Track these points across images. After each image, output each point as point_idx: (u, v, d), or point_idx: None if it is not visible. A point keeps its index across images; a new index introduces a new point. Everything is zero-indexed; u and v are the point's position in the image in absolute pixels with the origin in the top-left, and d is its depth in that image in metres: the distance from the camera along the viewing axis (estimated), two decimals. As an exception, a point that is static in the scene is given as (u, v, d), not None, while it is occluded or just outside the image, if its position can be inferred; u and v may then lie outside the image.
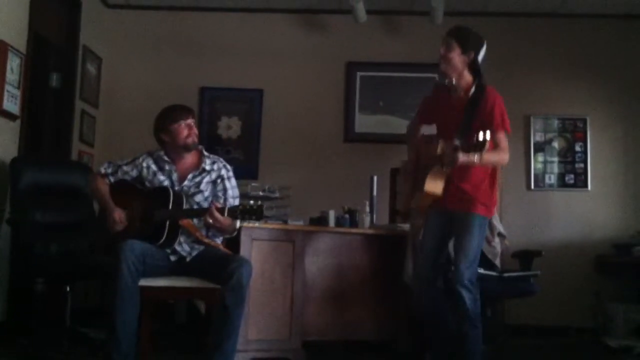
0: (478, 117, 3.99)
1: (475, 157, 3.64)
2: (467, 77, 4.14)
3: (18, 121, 5.16)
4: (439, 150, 3.90)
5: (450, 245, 4.24)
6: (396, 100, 6.86)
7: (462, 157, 3.70)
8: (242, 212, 3.78)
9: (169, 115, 4.14)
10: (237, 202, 4.13)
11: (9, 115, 5.01)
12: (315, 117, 6.89)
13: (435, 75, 6.73)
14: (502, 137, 3.99)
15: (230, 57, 6.94)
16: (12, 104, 5.01)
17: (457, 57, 4.09)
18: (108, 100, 6.90)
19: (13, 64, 5.01)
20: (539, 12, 6.82)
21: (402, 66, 6.89)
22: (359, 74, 6.96)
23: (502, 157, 4.03)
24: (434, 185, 3.96)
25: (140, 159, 4.18)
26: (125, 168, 4.17)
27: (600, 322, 6.15)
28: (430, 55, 6.71)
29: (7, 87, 4.92)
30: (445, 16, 6.56)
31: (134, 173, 4.16)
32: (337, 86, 6.94)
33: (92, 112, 6.66)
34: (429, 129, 4.31)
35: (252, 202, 3.83)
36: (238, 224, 4.06)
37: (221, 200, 4.07)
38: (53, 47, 6.04)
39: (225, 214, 3.79)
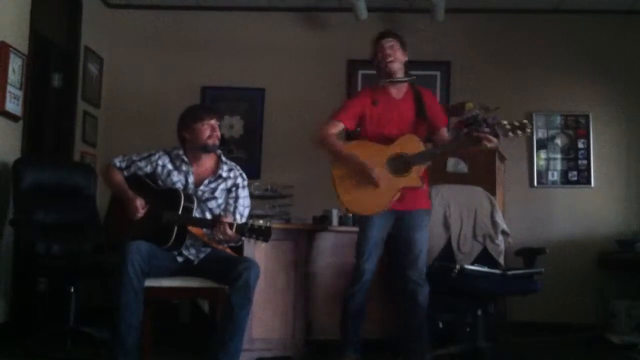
0: (428, 114, 4.30)
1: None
2: (402, 75, 4.35)
3: (20, 122, 5.17)
4: (422, 144, 4.17)
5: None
6: (398, 98, 6.85)
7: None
8: (250, 230, 3.77)
9: (194, 113, 4.11)
10: (247, 211, 4.12)
11: (11, 117, 5.02)
12: (317, 115, 6.83)
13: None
14: None
15: (232, 56, 6.93)
16: (14, 105, 5.01)
17: (400, 56, 4.32)
18: (110, 101, 6.90)
19: (15, 65, 5.01)
20: (540, 9, 6.81)
21: (404, 64, 6.88)
22: (360, 71, 6.94)
23: None
24: (420, 179, 4.20)
25: (156, 156, 4.11)
26: (139, 164, 4.10)
27: (604, 318, 6.14)
28: (431, 52, 6.78)
29: (9, 88, 4.92)
30: (446, 13, 6.55)
31: (148, 169, 4.09)
32: (339, 84, 6.93)
33: (94, 112, 6.66)
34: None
35: (261, 221, 3.82)
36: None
37: (231, 209, 4.05)
38: (54, 47, 6.05)
39: (234, 230, 3.79)
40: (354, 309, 4.31)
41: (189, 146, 4.09)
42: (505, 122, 3.94)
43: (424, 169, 4.22)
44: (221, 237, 3.82)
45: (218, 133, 4.10)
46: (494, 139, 3.97)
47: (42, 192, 4.81)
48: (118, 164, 4.12)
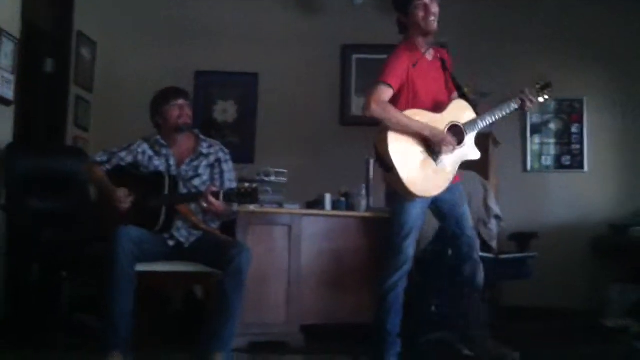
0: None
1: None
2: None
3: (12, 107, 5.14)
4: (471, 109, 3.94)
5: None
6: (392, 82, 6.83)
7: None
8: (238, 195, 3.79)
9: (160, 98, 4.18)
10: (234, 185, 4.12)
11: (3, 101, 4.98)
12: (311, 100, 6.87)
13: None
14: None
15: (225, 40, 6.90)
16: (6, 89, 4.98)
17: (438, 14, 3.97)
18: (103, 85, 6.86)
19: (7, 49, 4.98)
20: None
21: (398, 48, 6.86)
22: (354, 56, 6.93)
23: None
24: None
25: (135, 145, 4.17)
26: (120, 155, 4.15)
27: (597, 303, 6.16)
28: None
29: (1, 72, 4.89)
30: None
31: (129, 159, 4.14)
32: (332, 69, 6.92)
33: (86, 97, 6.63)
34: None
35: (247, 184, 3.84)
36: (236, 207, 4.06)
37: (217, 184, 4.07)
38: (47, 32, 6.01)
39: (221, 198, 3.79)
40: (394, 302, 3.95)
41: (163, 130, 4.15)
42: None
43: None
44: (210, 208, 3.82)
45: (188, 111, 4.17)
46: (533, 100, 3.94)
47: (35, 178, 4.79)
48: (99, 159, 4.17)
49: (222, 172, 4.16)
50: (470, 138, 3.89)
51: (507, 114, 4.01)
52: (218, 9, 6.98)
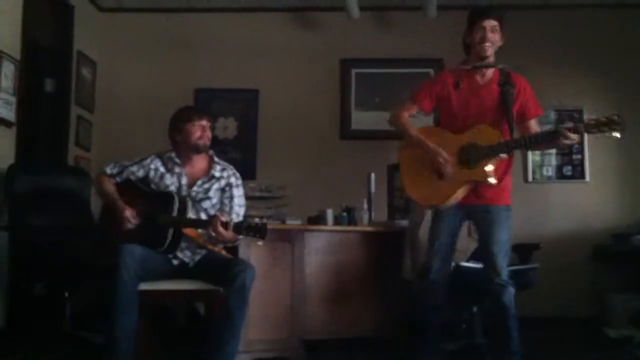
0: (517, 104, 3.96)
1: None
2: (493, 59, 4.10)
3: (14, 128, 5.16)
4: (499, 137, 3.84)
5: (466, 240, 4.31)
6: (392, 96, 6.83)
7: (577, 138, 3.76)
8: (247, 229, 3.77)
9: (184, 114, 4.15)
10: (242, 210, 4.14)
11: (5, 122, 5.01)
12: (311, 115, 6.89)
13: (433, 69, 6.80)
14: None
15: (225, 57, 6.93)
16: (7, 111, 5.01)
17: (498, 41, 4.07)
18: (103, 105, 6.89)
19: (7, 71, 5.01)
20: (532, 4, 6.81)
21: (397, 62, 6.90)
22: (353, 70, 6.95)
23: None
24: (493, 175, 3.87)
25: (148, 160, 4.15)
26: (132, 169, 4.14)
27: (600, 312, 6.15)
28: (424, 49, 6.79)
29: (1, 94, 4.92)
30: (438, 10, 6.55)
31: (141, 174, 4.13)
32: (332, 83, 6.94)
33: (87, 116, 6.65)
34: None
35: (257, 219, 3.86)
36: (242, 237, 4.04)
37: (227, 208, 4.06)
38: (47, 52, 6.05)
39: (230, 229, 3.79)
40: (421, 309, 4.17)
41: (180, 148, 4.12)
42: (591, 119, 3.72)
43: (500, 162, 3.89)
44: (218, 237, 3.82)
45: (209, 134, 4.14)
46: (573, 136, 3.69)
47: (36, 197, 4.80)
48: (109, 171, 4.15)
49: (232, 197, 4.14)
50: (486, 162, 3.85)
51: (535, 143, 3.93)
52: (217, 26, 7.01)
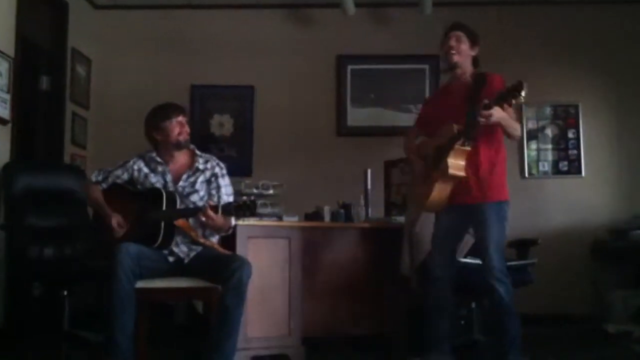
0: (484, 95, 3.98)
1: (508, 110, 3.91)
2: (470, 69, 4.28)
3: (9, 125, 5.14)
4: (455, 128, 3.96)
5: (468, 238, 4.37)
6: (387, 92, 6.86)
7: (497, 112, 3.81)
8: (236, 209, 3.81)
9: (160, 113, 4.15)
10: (231, 199, 4.13)
11: (0, 120, 4.99)
12: (307, 112, 6.88)
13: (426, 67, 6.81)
14: (511, 110, 4.03)
15: (220, 54, 6.92)
16: (2, 109, 4.99)
17: (466, 50, 4.25)
18: (99, 102, 6.87)
19: (2, 68, 5.00)
20: (529, 0, 6.81)
21: (392, 58, 6.89)
22: (349, 67, 6.94)
23: (517, 125, 4.12)
24: (457, 167, 3.98)
25: (131, 162, 4.18)
26: (116, 173, 4.17)
27: (598, 308, 6.16)
28: (420, 46, 6.77)
29: (-3, 92, 4.90)
30: (434, 6, 6.54)
31: (126, 177, 4.16)
32: (328, 80, 6.93)
33: (83, 114, 6.63)
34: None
35: (244, 198, 3.87)
36: (233, 221, 4.06)
37: (215, 199, 4.07)
38: (41, 50, 6.03)
39: (219, 212, 3.80)
40: (429, 308, 4.28)
41: (161, 146, 4.13)
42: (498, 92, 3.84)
43: (475, 157, 4.03)
44: (209, 222, 3.84)
45: (187, 128, 4.17)
46: (486, 112, 3.78)
47: (33, 196, 4.78)
48: (94, 179, 4.21)
49: (218, 187, 4.15)
50: (450, 159, 3.98)
51: (470, 129, 4.00)
52: (212, 23, 7.00)
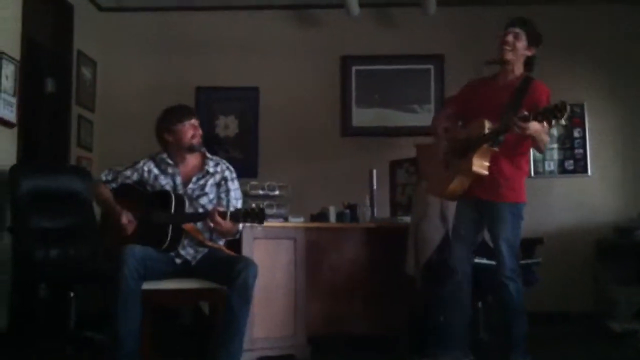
0: (526, 103, 3.96)
1: (545, 126, 3.83)
2: (520, 68, 4.21)
3: (15, 128, 5.16)
4: (486, 127, 3.92)
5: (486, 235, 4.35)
6: (392, 92, 6.87)
7: (533, 125, 3.75)
8: (245, 215, 3.79)
9: (173, 115, 4.11)
10: (239, 203, 4.12)
11: (6, 123, 5.01)
12: (312, 112, 6.88)
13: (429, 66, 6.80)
14: (547, 126, 3.96)
15: (225, 56, 6.93)
16: (8, 112, 5.00)
17: (522, 49, 4.17)
18: (104, 104, 6.89)
19: (7, 71, 5.00)
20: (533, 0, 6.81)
21: (397, 58, 6.90)
22: (354, 67, 6.95)
23: (547, 138, 4.06)
24: (481, 166, 3.97)
25: (141, 163, 4.15)
26: (126, 173, 4.14)
27: (603, 307, 6.15)
28: (424, 46, 6.78)
29: (2, 94, 4.91)
30: (437, 6, 6.54)
31: (135, 177, 4.13)
32: (332, 81, 6.94)
33: (89, 116, 6.65)
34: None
35: (254, 205, 3.87)
36: (240, 226, 4.05)
37: (224, 202, 4.06)
38: (47, 52, 6.05)
39: (228, 218, 3.79)
40: (449, 308, 4.24)
41: (172, 148, 4.11)
42: (541, 107, 3.77)
43: (499, 157, 4.00)
44: (217, 228, 3.83)
45: (200, 131, 4.15)
46: (524, 125, 3.73)
47: (39, 198, 4.80)
48: (104, 178, 4.17)
49: (228, 191, 4.13)
50: (475, 154, 3.95)
51: (498, 134, 3.97)
52: (217, 24, 7.01)
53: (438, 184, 4.25)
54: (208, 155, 4.20)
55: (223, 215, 3.79)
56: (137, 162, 4.17)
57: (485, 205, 4.12)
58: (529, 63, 4.23)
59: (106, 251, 4.10)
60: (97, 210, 4.55)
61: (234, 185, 4.17)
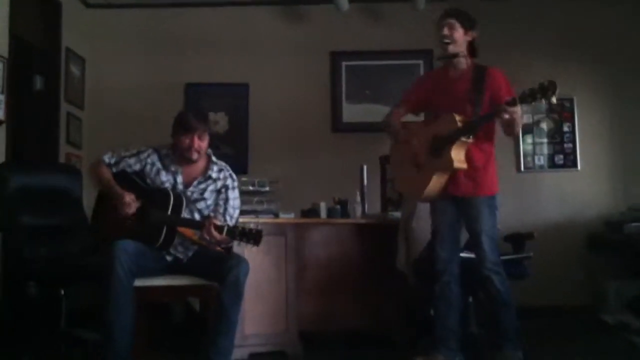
0: (487, 92, 4.01)
1: (521, 109, 3.83)
2: (467, 57, 4.21)
3: (3, 126, 5.13)
4: (458, 121, 3.92)
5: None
6: (382, 88, 6.85)
7: (518, 109, 3.77)
8: (241, 235, 3.76)
9: (180, 125, 4.04)
10: (237, 213, 4.12)
11: (-5, 121, 4.99)
12: (302, 108, 6.87)
13: (420, 62, 6.80)
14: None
15: (214, 52, 6.91)
16: (-4, 109, 4.98)
17: (461, 37, 4.17)
18: (93, 101, 6.86)
19: (-5, 69, 4.98)
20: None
21: (387, 54, 6.90)
22: (343, 63, 6.94)
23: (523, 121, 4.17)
24: (460, 160, 3.97)
25: (146, 154, 4.11)
26: (129, 161, 4.10)
27: (595, 300, 6.18)
28: (413, 41, 6.77)
29: (-10, 92, 4.89)
30: (426, 1, 6.54)
31: (137, 167, 4.09)
32: (322, 77, 6.93)
33: (78, 114, 6.62)
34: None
35: (252, 225, 3.81)
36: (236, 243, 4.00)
37: (221, 210, 4.04)
38: (35, 50, 6.01)
39: (224, 233, 3.77)
40: (434, 304, 4.24)
41: (177, 148, 4.07)
42: (526, 89, 3.74)
43: (473, 149, 4.02)
44: (211, 240, 3.81)
45: (201, 143, 4.03)
46: (512, 109, 3.75)
47: (28, 196, 4.75)
48: (107, 160, 4.12)
49: (227, 199, 4.10)
50: (449, 151, 3.96)
51: (478, 124, 4.00)
52: (206, 21, 6.99)
53: (413, 186, 4.21)
54: (213, 159, 4.17)
55: (220, 229, 3.77)
56: (141, 152, 4.13)
57: (461, 201, 4.12)
58: (472, 47, 4.23)
59: (97, 246, 4.07)
60: (87, 205, 4.53)
61: (234, 194, 4.14)
